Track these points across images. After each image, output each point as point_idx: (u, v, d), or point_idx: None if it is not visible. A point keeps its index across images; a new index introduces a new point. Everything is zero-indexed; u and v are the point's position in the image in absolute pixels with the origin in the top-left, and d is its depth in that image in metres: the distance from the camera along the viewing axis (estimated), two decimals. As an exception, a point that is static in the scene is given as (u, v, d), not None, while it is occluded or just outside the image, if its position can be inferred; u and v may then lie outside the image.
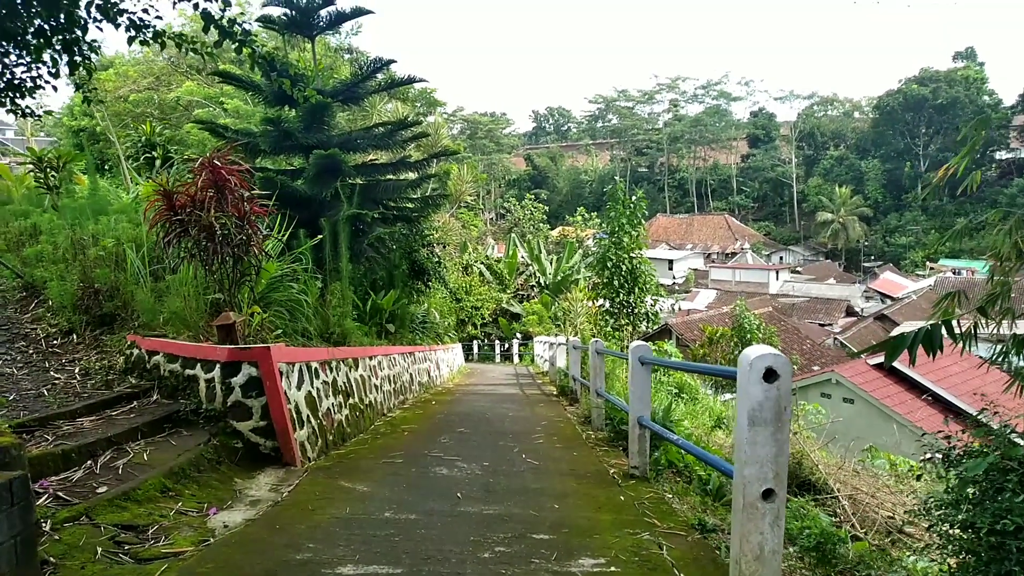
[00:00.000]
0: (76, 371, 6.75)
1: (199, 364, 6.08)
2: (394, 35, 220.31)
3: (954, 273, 58.29)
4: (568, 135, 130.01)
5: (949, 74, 78.89)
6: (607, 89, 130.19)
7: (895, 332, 36.88)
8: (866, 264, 76.59)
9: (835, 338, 37.43)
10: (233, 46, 5.85)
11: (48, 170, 8.58)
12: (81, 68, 5.75)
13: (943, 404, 19.86)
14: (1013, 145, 78.22)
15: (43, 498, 4.27)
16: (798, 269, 67.95)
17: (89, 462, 4.92)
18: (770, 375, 3.22)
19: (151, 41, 5.78)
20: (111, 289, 7.54)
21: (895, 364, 22.56)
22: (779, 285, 56.60)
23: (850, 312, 47.84)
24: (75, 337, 7.54)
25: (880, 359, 23.53)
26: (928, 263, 68.51)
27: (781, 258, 77.96)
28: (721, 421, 12.85)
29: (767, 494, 3.28)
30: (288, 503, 4.92)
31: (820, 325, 43.02)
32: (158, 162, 13.45)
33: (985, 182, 76.68)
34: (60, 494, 4.34)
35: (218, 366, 5.92)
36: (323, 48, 26.80)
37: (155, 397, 6.26)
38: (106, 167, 19.74)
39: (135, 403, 6.12)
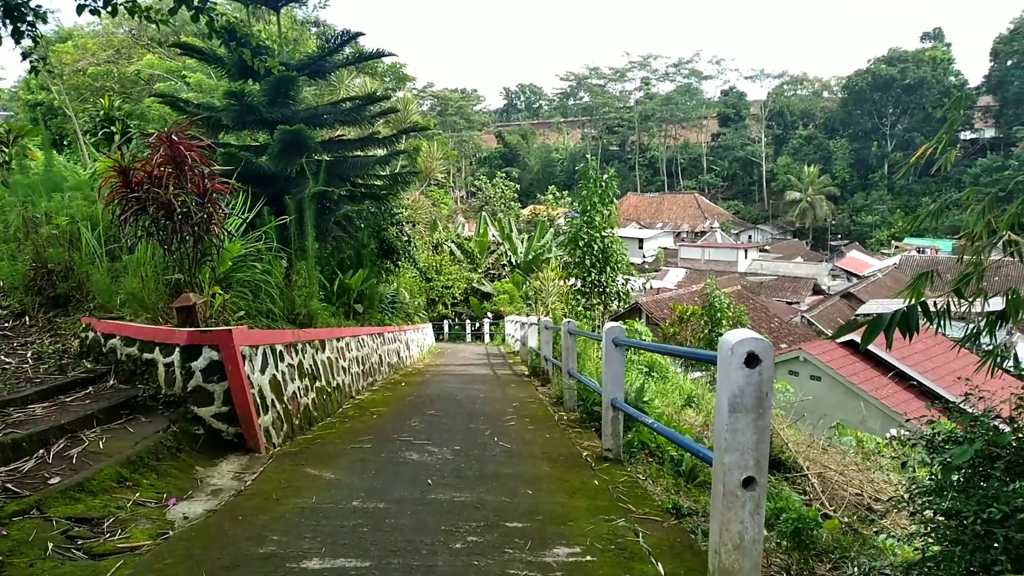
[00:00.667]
0: (28, 355, 6.47)
1: (157, 348, 5.85)
2: (363, 9, 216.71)
3: (918, 252, 59.31)
4: (539, 113, 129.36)
5: (917, 54, 79.59)
6: (579, 67, 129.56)
7: (861, 310, 37.47)
8: (833, 243, 77.54)
9: (802, 316, 37.90)
10: (190, 14, 5.54)
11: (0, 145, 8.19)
12: (27, 37, 5.40)
13: (908, 382, 20.16)
14: (977, 125, 79.43)
15: (-10, 491, 4.06)
16: (766, 248, 68.60)
17: (41, 451, 4.69)
18: (752, 360, 3.11)
19: (101, 9, 5.44)
20: (65, 269, 7.23)
21: (861, 343, 22.90)
22: (748, 264, 57.13)
23: (817, 290, 48.46)
24: (27, 320, 7.23)
25: (848, 337, 23.88)
26: (893, 242, 69.61)
27: (750, 237, 78.63)
28: (691, 399, 12.89)
29: (748, 482, 3.18)
30: (251, 492, 4.74)
31: (787, 303, 43.53)
32: (117, 137, 13.00)
33: (898, 170, 77.79)
34: (9, 486, 4.13)
35: (177, 350, 5.69)
36: (289, 21, 26.14)
37: (112, 382, 6.02)
38: (65, 143, 19.11)
39: (90, 388, 5.87)
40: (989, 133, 77.75)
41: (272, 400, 6.32)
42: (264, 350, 6.42)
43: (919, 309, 4.71)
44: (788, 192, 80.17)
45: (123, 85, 24.18)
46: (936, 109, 76.72)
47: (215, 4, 6.09)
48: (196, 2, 5.28)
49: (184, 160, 6.25)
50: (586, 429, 7.60)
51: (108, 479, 4.46)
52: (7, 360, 6.30)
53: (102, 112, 13.32)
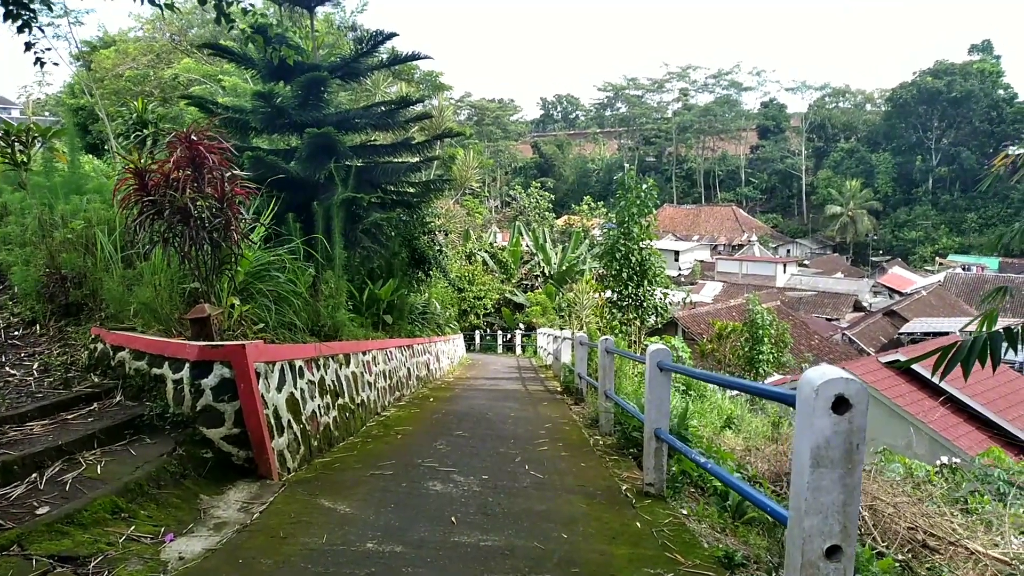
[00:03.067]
0: (34, 367, 6.13)
1: (167, 362, 5.45)
2: (401, 16, 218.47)
3: (964, 269, 57.56)
4: (576, 123, 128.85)
5: (964, 67, 77.59)
6: (616, 77, 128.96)
7: (905, 328, 36.28)
8: (874, 258, 75.71)
9: (843, 333, 36.77)
10: (212, 14, 5.17)
11: (16, 144, 7.92)
12: (23, 21, 5.07)
13: (956, 405, 19.24)
14: (1026, 140, 77.15)
15: (-29, 520, 3.67)
16: (805, 262, 67.16)
17: (34, 475, 4.32)
18: (841, 405, 2.58)
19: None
20: (79, 276, 6.91)
21: (902, 360, 21.95)
22: (786, 278, 55.85)
23: (858, 307, 47.14)
24: (38, 328, 6.92)
25: (892, 357, 22.95)
26: (937, 258, 67.72)
27: (788, 251, 77.10)
28: (731, 420, 12.27)
29: (832, 551, 2.65)
30: (257, 528, 4.30)
31: (827, 320, 42.37)
32: (149, 140, 12.83)
33: (984, 178, 75.63)
34: (-8, 516, 3.75)
35: (187, 365, 5.29)
36: (326, 26, 26.09)
37: (118, 398, 5.64)
38: (104, 147, 19.09)
39: (95, 405, 5.50)
40: (1014, 151, 75.65)
41: (288, 420, 5.89)
42: (282, 366, 6.00)
43: (1003, 335, 4.13)
44: (828, 206, 78.58)
45: (162, 89, 24.30)
46: (983, 123, 74.87)
47: (254, 7, 5.74)
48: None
49: (203, 162, 5.87)
50: (623, 456, 7.06)
51: (102, 510, 4.06)
52: (11, 372, 5.97)
53: (135, 115, 13.17)
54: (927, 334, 32.65)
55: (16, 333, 6.89)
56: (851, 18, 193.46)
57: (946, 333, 29.56)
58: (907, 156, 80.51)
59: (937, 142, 79.43)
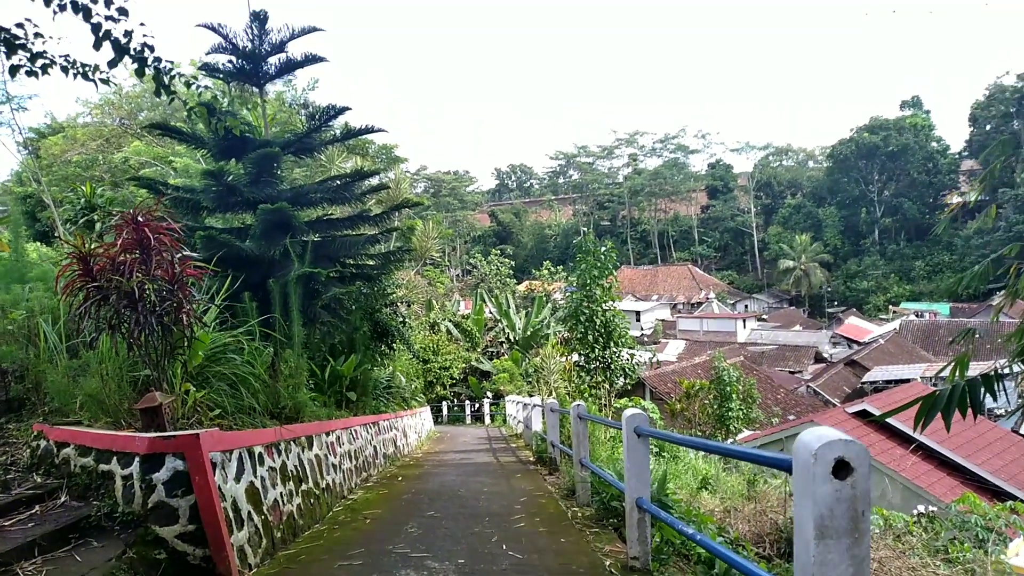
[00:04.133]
0: (-31, 470, 5.69)
1: (115, 457, 5.09)
2: (352, 93, 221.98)
3: (917, 316, 58.89)
4: (531, 191, 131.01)
5: (898, 122, 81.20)
6: (567, 145, 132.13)
7: (867, 377, 36.66)
8: (829, 310, 77.23)
9: (808, 386, 37.02)
10: (151, 86, 5.02)
11: (-49, 234, 7.59)
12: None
13: (926, 452, 19.27)
14: (963, 189, 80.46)
15: None
16: (764, 317, 68.12)
17: (-37, 594, 3.91)
18: (842, 469, 2.41)
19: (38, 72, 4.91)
20: (20, 369, 6.52)
21: (873, 411, 22.05)
22: (747, 333, 56.45)
23: (819, 358, 47.70)
24: (-25, 427, 6.48)
25: (859, 407, 23.06)
26: (890, 307, 69.31)
27: (746, 306, 78.25)
28: (706, 481, 12.04)
29: (846, 631, 2.44)
30: (216, 637, 3.93)
31: (791, 372, 42.71)
32: (98, 225, 12.49)
33: (938, 224, 78.46)
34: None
35: (137, 459, 4.93)
36: (277, 104, 26.21)
37: (63, 499, 5.23)
38: (54, 233, 18.61)
39: (36, 508, 5.08)
40: (958, 199, 79.00)
41: (249, 512, 5.52)
42: (240, 454, 5.66)
43: (981, 383, 4.05)
44: (781, 260, 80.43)
45: (112, 173, 23.97)
46: (921, 174, 78.04)
47: (195, 78, 5.62)
48: (150, 62, 4.74)
49: (151, 244, 5.63)
50: (604, 528, 6.77)
51: (41, 628, 3.67)
52: (-56, 477, 5.52)
53: (84, 200, 12.86)
54: (889, 382, 33.05)
55: (-50, 434, 6.44)
56: (788, 79, 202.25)
57: (908, 380, 29.93)
58: (852, 209, 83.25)
59: (879, 194, 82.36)
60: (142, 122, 25.97)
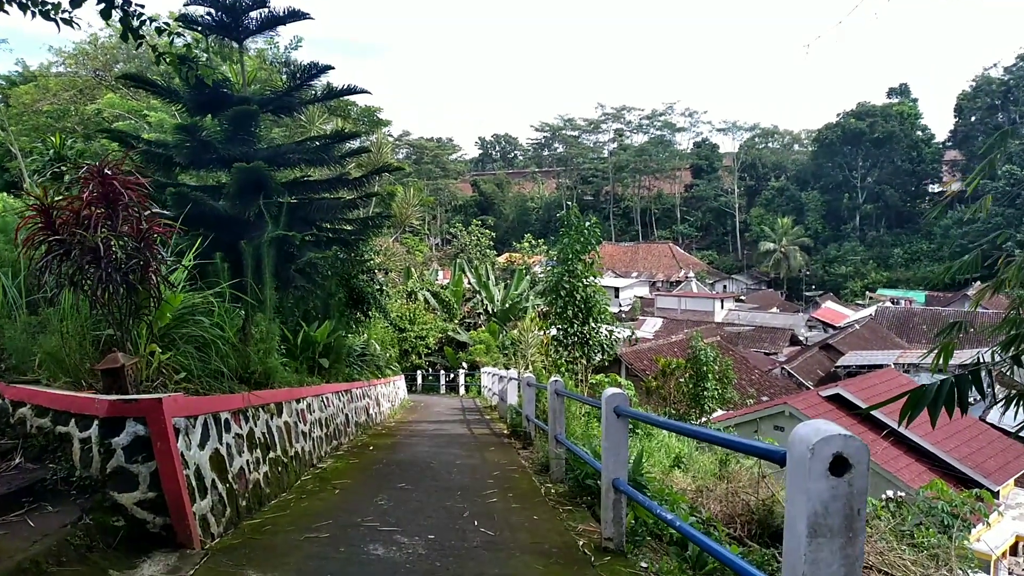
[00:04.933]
0: (-81, 427, 5.44)
1: (73, 419, 4.87)
2: (337, 54, 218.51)
3: (893, 303, 59.59)
4: (515, 162, 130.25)
5: (884, 109, 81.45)
6: (553, 117, 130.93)
7: (841, 362, 37.04)
8: (807, 293, 77.97)
9: (782, 368, 37.37)
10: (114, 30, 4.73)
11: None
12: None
13: (897, 438, 19.50)
14: (945, 179, 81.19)
15: None
16: (742, 298, 68.56)
17: (-94, 557, 3.71)
18: (839, 465, 2.28)
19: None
20: (-24, 324, 6.25)
21: (848, 396, 22.28)
22: (724, 314, 56.81)
23: (794, 341, 48.17)
24: (-72, 383, 6.20)
25: (833, 391, 23.26)
26: (867, 292, 70.02)
27: (725, 287, 78.76)
28: (680, 460, 12.05)
29: (833, 631, 2.33)
30: (171, 611, 3.77)
31: (766, 354, 43.09)
32: (67, 177, 12.09)
33: (919, 213, 79.23)
34: None
35: (96, 422, 4.72)
36: (258, 62, 25.57)
37: (17, 461, 5.00)
38: (22, 185, 18.11)
39: (-11, 470, 4.87)
40: (956, 186, 79.77)
41: (213, 480, 5.34)
42: (205, 420, 5.47)
43: (970, 380, 3.94)
44: (762, 243, 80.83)
45: (85, 125, 23.33)
46: (904, 163, 78.52)
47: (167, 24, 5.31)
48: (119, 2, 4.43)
49: (118, 199, 5.36)
50: (577, 506, 6.68)
51: (-14, 596, 3.48)
52: None
53: (53, 151, 12.44)
54: (863, 367, 33.41)
55: (-100, 389, 6.16)
56: (778, 61, 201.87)
57: (882, 366, 30.26)
58: (835, 194, 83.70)
59: (862, 180, 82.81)
60: (117, 74, 25.25)
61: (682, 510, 6.92)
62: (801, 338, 49.59)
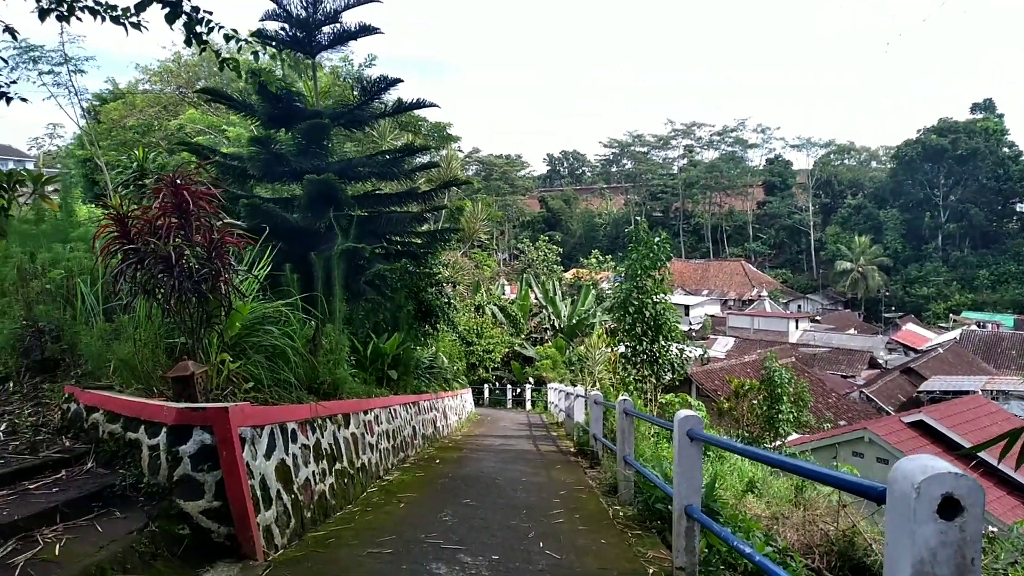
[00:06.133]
0: (1, 428, 5.58)
1: (143, 426, 4.91)
2: (411, 72, 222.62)
3: (979, 326, 56.71)
4: (582, 179, 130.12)
5: (968, 125, 78.13)
6: (622, 134, 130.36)
7: (923, 387, 35.32)
8: (886, 315, 75.01)
9: (860, 392, 35.89)
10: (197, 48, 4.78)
11: (-5, 190, 7.52)
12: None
13: (986, 468, 18.38)
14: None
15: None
16: (817, 318, 66.47)
17: (-19, 557, 3.74)
18: (949, 507, 2.02)
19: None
20: (57, 329, 6.42)
21: (932, 423, 21.19)
22: (799, 334, 55.11)
23: (873, 364, 46.32)
24: (11, 385, 6.39)
25: (916, 417, 22.15)
26: (952, 315, 66.93)
27: (799, 306, 76.47)
28: (753, 484, 11.60)
29: None
30: (231, 625, 3.70)
31: (843, 377, 41.53)
32: (149, 190, 12.45)
33: (1005, 234, 75.51)
34: (-77, 609, 3.18)
35: (164, 430, 4.74)
36: (333, 78, 26.21)
37: (89, 465, 5.07)
38: (108, 196, 18.85)
39: (63, 472, 4.93)
40: None
41: (278, 491, 5.31)
42: (271, 430, 5.45)
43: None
44: (838, 262, 78.35)
45: (168, 140, 24.32)
46: (990, 180, 74.95)
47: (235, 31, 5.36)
48: (193, 18, 4.48)
49: (190, 208, 5.42)
50: (647, 531, 6.41)
51: (52, 601, 3.48)
52: (-26, 435, 5.43)
53: (136, 164, 12.87)
54: (947, 392, 31.79)
55: (-14, 391, 6.38)
56: (855, 76, 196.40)
57: (968, 392, 28.75)
58: (915, 213, 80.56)
59: (945, 199, 79.45)
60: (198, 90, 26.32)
61: (757, 538, 6.57)
62: (880, 361, 47.66)
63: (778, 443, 18.26)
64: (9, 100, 5.54)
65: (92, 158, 25.36)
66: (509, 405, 33.87)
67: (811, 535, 8.35)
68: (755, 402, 18.74)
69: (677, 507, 4.86)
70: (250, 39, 5.32)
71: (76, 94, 24.00)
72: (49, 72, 24.57)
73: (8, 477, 4.69)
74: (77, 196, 13.91)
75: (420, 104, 10.85)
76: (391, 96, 11.58)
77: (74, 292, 6.53)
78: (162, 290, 5.39)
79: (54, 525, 4.26)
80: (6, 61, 5.13)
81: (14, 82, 5.47)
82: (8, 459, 5.04)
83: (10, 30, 5.03)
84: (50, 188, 9.41)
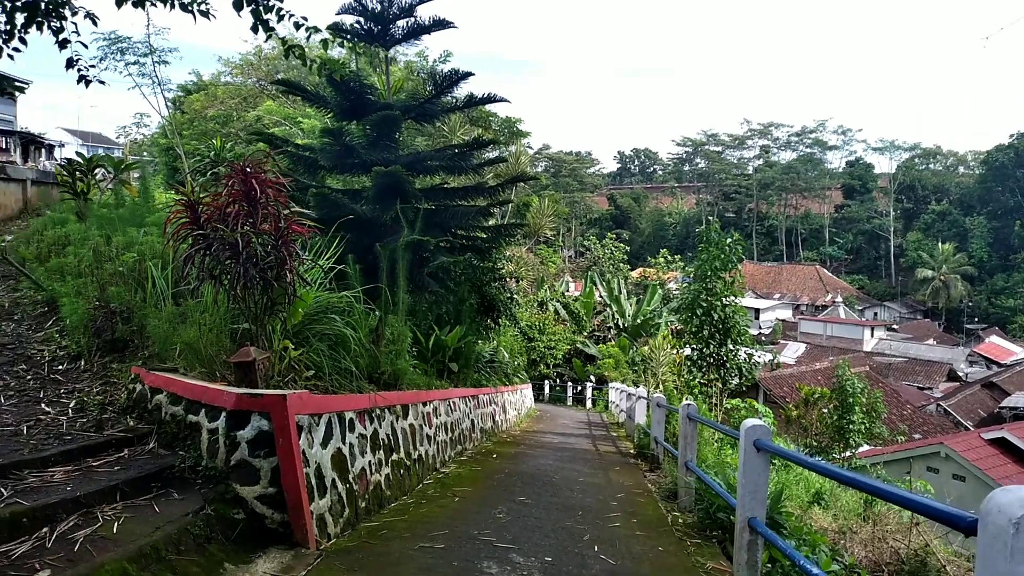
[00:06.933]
0: (71, 405, 5.76)
1: (203, 409, 4.98)
2: (484, 70, 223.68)
3: (1070, 341, 53.66)
4: (653, 177, 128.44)
5: (1066, 130, 73.93)
6: (696, 132, 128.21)
7: (1006, 403, 33.59)
8: (968, 326, 71.66)
9: (938, 404, 34.38)
10: (268, 40, 4.81)
11: (76, 174, 7.80)
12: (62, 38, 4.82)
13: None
14: None
15: (-35, 582, 3.19)
16: (894, 326, 64.01)
17: (45, 529, 3.84)
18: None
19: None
20: (127, 310, 6.60)
21: (1015, 441, 20.13)
22: (874, 342, 53.16)
23: (952, 376, 44.33)
24: (83, 363, 6.60)
25: (997, 433, 21.07)
26: (1041, 329, 63.60)
27: (876, 314, 73.78)
28: (820, 496, 11.20)
29: None
30: (280, 613, 3.69)
31: (919, 388, 39.90)
32: (221, 177, 12.80)
33: None
34: (-12, 577, 3.26)
35: (224, 414, 4.79)
36: (406, 73, 26.52)
37: (151, 445, 5.18)
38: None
39: (125, 452, 5.05)
40: None
41: (333, 480, 5.32)
42: (329, 419, 5.46)
43: None
44: (919, 269, 75.30)
45: (246, 130, 25.02)
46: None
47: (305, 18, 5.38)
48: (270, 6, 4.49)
49: (257, 196, 5.47)
50: (707, 540, 6.19)
51: (107, 579, 3.52)
52: (46, 410, 5.61)
53: (213, 153, 13.25)
54: (1033, 409, 30.20)
55: (60, 367, 6.60)
56: (939, 78, 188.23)
57: (1056, 410, 27.24)
58: (1004, 221, 76.79)
59: (1037, 207, 75.44)
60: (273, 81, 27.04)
61: (822, 553, 6.29)
62: (960, 374, 45.59)
63: (848, 454, 17.60)
64: (88, 83, 5.70)
65: (174, 146, 26.35)
66: (569, 402, 33.68)
67: (880, 552, 7.99)
68: (825, 411, 18.10)
69: (740, 519, 4.66)
70: (319, 29, 5.31)
71: (159, 84, 24.99)
72: (135, 63, 25.65)
73: (74, 453, 4.82)
74: (158, 182, 14.37)
75: (491, 99, 10.80)
76: (462, 91, 11.59)
77: (145, 275, 6.70)
78: (228, 276, 5.47)
79: (114, 503, 4.35)
80: (86, 45, 5.25)
81: (93, 66, 5.62)
82: (75, 436, 5.19)
83: (91, 16, 5.17)
84: (134, 175, 9.75)
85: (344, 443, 5.70)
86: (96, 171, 8.16)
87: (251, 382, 5.11)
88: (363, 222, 9.65)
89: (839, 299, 71.44)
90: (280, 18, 4.81)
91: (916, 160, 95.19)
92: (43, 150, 37.25)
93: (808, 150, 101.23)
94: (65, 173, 7.79)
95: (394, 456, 7.05)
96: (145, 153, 42.36)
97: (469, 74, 10.43)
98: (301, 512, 4.66)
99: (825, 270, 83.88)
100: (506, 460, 10.55)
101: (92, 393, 6.01)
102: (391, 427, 7.14)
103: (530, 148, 66.00)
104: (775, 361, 25.99)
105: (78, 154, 8.32)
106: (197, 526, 4.29)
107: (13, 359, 6.66)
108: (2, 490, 4.11)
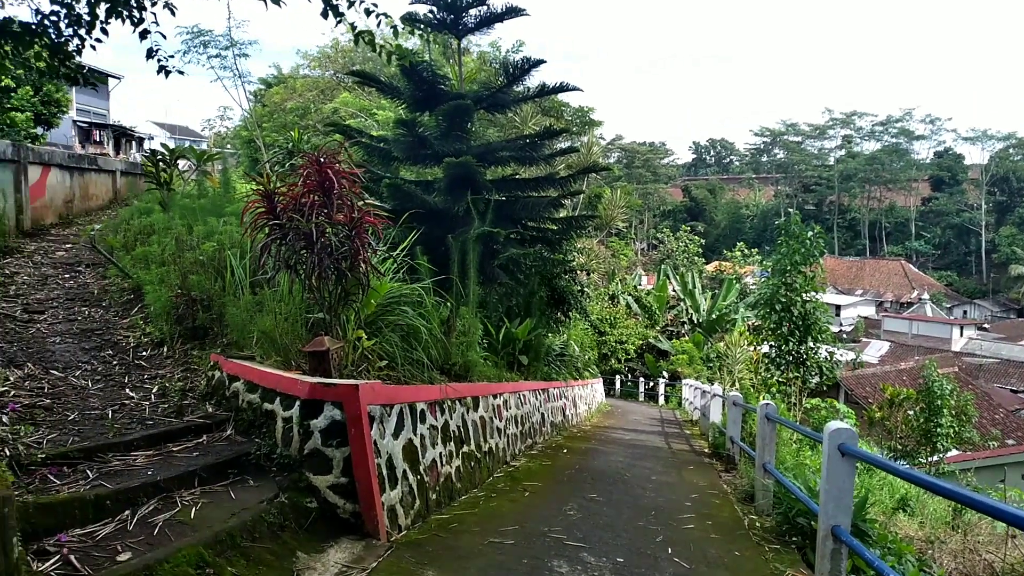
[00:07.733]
0: (153, 390, 5.92)
1: (278, 398, 5.03)
2: (555, 59, 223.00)
3: None
4: (729, 168, 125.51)
5: None
6: (775, 122, 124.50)
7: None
8: (1068, 326, 67.59)
9: (1034, 408, 32.54)
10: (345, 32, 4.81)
11: (160, 165, 8.04)
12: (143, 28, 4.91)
13: None
14: None
15: (51, 561, 3.28)
16: (985, 326, 60.84)
17: (127, 512, 3.94)
18: None
19: None
20: (207, 298, 6.76)
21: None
22: (963, 342, 50.65)
23: (1050, 379, 41.83)
24: (165, 350, 6.80)
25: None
26: None
27: (965, 312, 70.33)
28: (905, 502, 10.73)
29: None
30: (350, 604, 3.68)
31: (1013, 392, 37.80)
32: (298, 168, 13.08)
33: None
34: (72, 558, 3.34)
35: (298, 403, 4.83)
36: (479, 63, 26.57)
37: (228, 432, 5.28)
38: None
39: (204, 438, 5.16)
40: None
41: (404, 471, 5.31)
42: (400, 410, 5.45)
43: None
44: (1013, 266, 71.39)
45: (323, 122, 25.59)
46: None
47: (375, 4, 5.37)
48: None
49: (332, 187, 5.50)
50: (786, 545, 5.94)
51: (185, 563, 3.56)
52: (130, 395, 5.78)
53: (291, 144, 13.53)
54: None
55: (144, 353, 6.82)
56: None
57: None
58: (1109, 215, 71.99)
59: None
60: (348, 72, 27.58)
61: (909, 563, 5.97)
62: (1059, 376, 42.98)
63: (935, 459, 16.82)
64: (168, 73, 5.83)
65: (253, 139, 27.14)
66: (640, 398, 33.26)
67: (972, 564, 7.55)
68: (911, 413, 17.34)
69: (823, 526, 4.43)
70: (388, 15, 5.29)
71: (240, 77, 25.76)
72: (217, 55, 26.54)
73: (156, 438, 4.95)
74: (239, 174, 14.77)
75: (563, 88, 10.65)
76: (534, 80, 11.48)
77: (224, 264, 6.85)
78: (303, 266, 5.52)
79: (192, 488, 4.44)
80: (164, 36, 5.38)
81: (172, 56, 5.74)
82: (156, 421, 5.33)
83: (169, 6, 5.28)
84: (216, 166, 10.02)
85: (415, 434, 5.69)
86: (179, 162, 8.42)
87: (325, 371, 5.15)
88: (434, 213, 9.67)
89: (926, 296, 68.29)
90: (351, 3, 4.80)
91: (1011, 150, 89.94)
92: (134, 142, 39.06)
93: (893, 140, 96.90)
94: (150, 164, 8.07)
95: (464, 448, 7.03)
96: (228, 145, 43.77)
97: (541, 61, 10.30)
98: (372, 503, 4.66)
99: (911, 265, 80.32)
100: (576, 455, 10.43)
101: (173, 379, 6.18)
102: (462, 419, 7.12)
103: (602, 139, 65.39)
104: (857, 360, 25.04)
105: (163, 145, 8.61)
106: (271, 514, 4.33)
107: (100, 344, 6.92)
108: (88, 472, 4.23)
